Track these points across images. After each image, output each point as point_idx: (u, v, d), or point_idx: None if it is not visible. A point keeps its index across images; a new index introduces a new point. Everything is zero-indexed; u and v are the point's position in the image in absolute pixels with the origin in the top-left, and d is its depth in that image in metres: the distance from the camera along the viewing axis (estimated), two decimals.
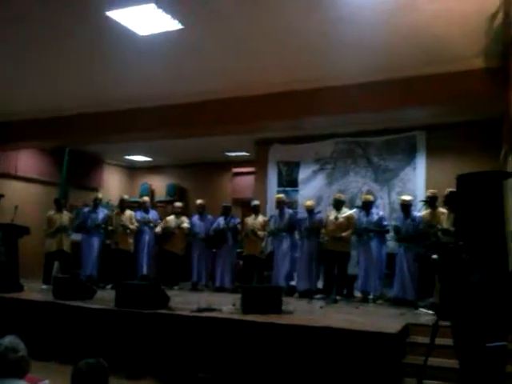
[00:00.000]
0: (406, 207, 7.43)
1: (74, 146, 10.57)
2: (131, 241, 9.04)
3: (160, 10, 5.24)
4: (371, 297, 7.65)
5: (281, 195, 8.87)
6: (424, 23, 5.42)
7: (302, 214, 8.92)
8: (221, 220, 8.95)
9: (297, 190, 9.81)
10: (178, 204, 9.61)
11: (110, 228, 9.02)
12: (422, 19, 5.33)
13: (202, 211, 9.25)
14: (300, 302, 7.12)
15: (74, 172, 10.85)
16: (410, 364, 4.82)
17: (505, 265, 4.76)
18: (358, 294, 7.86)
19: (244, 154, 11.43)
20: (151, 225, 9.31)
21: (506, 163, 6.35)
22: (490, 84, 6.24)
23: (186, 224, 9.13)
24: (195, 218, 9.28)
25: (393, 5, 5.06)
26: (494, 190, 4.73)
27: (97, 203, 9.33)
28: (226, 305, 6.14)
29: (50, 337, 6.32)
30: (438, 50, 6.05)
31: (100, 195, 9.70)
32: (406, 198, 7.61)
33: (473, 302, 3.32)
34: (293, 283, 8.32)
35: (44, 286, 8.43)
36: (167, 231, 9.09)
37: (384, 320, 5.75)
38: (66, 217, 9.13)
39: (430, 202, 7.15)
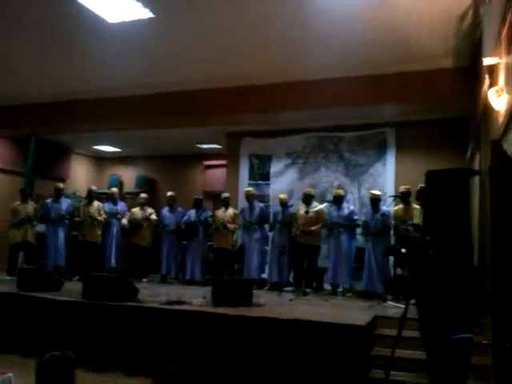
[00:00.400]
0: (376, 201, 7.56)
1: (40, 135, 10.27)
2: (99, 232, 8.90)
3: None
4: (340, 289, 7.76)
5: (249, 188, 8.87)
6: (396, 21, 5.51)
7: (273, 207, 8.95)
8: (192, 213, 8.88)
9: (268, 184, 9.82)
10: (143, 195, 9.48)
11: (77, 219, 8.86)
12: (394, 17, 5.41)
13: (172, 203, 9.17)
14: (270, 295, 7.14)
15: (41, 162, 10.54)
16: (377, 356, 4.91)
17: (470, 259, 4.91)
18: (327, 286, 7.95)
19: (216, 146, 11.36)
20: (119, 216, 9.17)
21: (473, 161, 6.53)
22: (459, 83, 6.40)
23: (154, 216, 9.04)
24: (165, 210, 9.19)
25: (367, 2, 5.11)
26: (461, 186, 4.87)
27: (60, 193, 9.15)
28: (197, 297, 6.11)
29: (13, 329, 6.16)
30: (409, 48, 6.15)
31: (61, 185, 9.46)
32: (376, 192, 7.74)
33: (437, 295, 3.39)
34: (264, 276, 8.36)
35: (8, 278, 8.21)
36: (135, 223, 8.95)
37: (353, 312, 5.84)
38: (30, 207, 8.91)
39: (404, 197, 7.27)
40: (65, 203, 9.16)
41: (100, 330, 5.73)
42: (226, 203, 8.67)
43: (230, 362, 5.10)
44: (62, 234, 9.00)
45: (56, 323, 5.96)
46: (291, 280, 8.10)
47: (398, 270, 6.95)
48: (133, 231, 8.98)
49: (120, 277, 6.38)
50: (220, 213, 8.61)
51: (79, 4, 5.25)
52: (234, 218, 8.50)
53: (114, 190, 9.81)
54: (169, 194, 9.26)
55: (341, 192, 8.16)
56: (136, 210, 9.15)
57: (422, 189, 6.60)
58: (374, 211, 7.55)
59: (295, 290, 7.66)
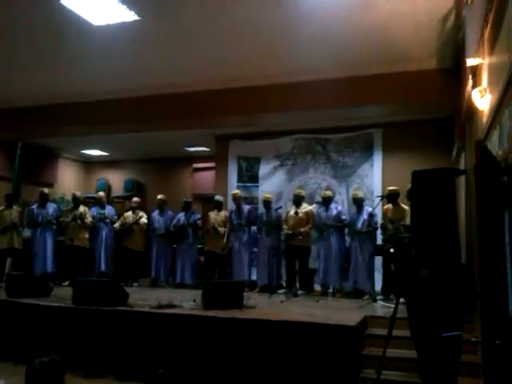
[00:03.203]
0: (358, 201, 7.70)
1: (27, 140, 10.18)
2: (87, 236, 8.88)
3: (116, 1, 5.14)
4: (331, 290, 7.80)
5: (236, 191, 8.89)
6: (380, 23, 5.57)
7: (262, 209, 8.97)
8: (181, 216, 8.88)
9: (257, 186, 9.84)
10: (136, 199, 9.46)
11: (66, 220, 8.79)
12: (378, 19, 5.48)
13: (162, 206, 9.15)
14: (261, 297, 7.15)
15: (27, 166, 10.43)
16: (368, 356, 4.94)
17: (458, 257, 4.97)
18: (318, 287, 7.98)
19: (204, 149, 11.36)
20: (107, 221, 9.13)
21: (458, 160, 6.62)
22: (443, 84, 6.49)
23: (143, 219, 9.02)
24: (155, 214, 9.17)
25: (350, 4, 5.16)
26: (447, 186, 4.92)
27: (45, 198, 9.11)
28: (187, 301, 6.10)
29: (3, 336, 6.10)
30: (393, 50, 6.23)
31: (47, 190, 9.41)
32: (358, 192, 7.97)
33: (424, 294, 3.44)
34: (253, 278, 8.37)
35: None
36: (125, 227, 8.92)
37: (343, 313, 5.88)
38: (15, 213, 8.82)
39: (391, 197, 7.33)
40: (51, 208, 9.12)
41: (91, 335, 5.70)
42: (218, 206, 8.69)
43: (221, 365, 5.10)
44: (49, 239, 8.95)
45: (47, 329, 5.91)
46: (282, 282, 8.12)
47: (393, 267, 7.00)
48: (124, 235, 8.94)
49: (110, 281, 6.34)
50: (212, 215, 8.62)
51: (64, 7, 5.23)
52: (225, 221, 8.51)
53: (101, 194, 9.80)
54: (159, 197, 9.24)
55: (329, 193, 8.22)
56: (128, 214, 9.12)
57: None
58: (357, 211, 7.68)
59: (287, 291, 7.69)
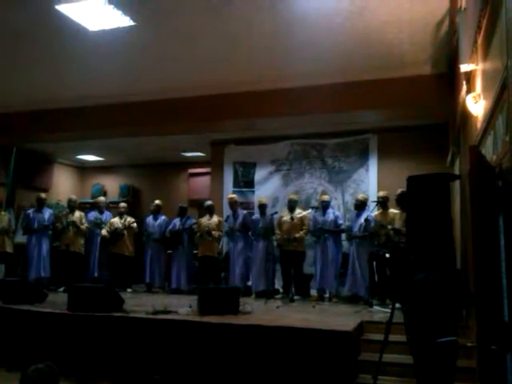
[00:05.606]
0: (364, 205, 7.69)
1: (22, 145, 10.15)
2: (82, 242, 8.84)
3: (111, 6, 5.15)
4: (327, 295, 7.79)
5: (233, 195, 8.88)
6: (375, 29, 5.61)
7: (258, 214, 8.97)
8: (177, 221, 8.86)
9: (253, 191, 9.84)
10: (123, 204, 9.42)
11: (59, 226, 8.74)
12: (373, 25, 5.51)
13: (157, 211, 9.11)
14: (257, 303, 7.13)
15: (22, 171, 10.39)
16: (365, 361, 4.93)
17: (453, 263, 4.98)
18: (314, 292, 7.97)
19: (200, 154, 11.36)
20: (103, 226, 9.08)
21: (453, 166, 6.65)
22: (438, 90, 6.53)
23: (135, 224, 8.97)
24: (149, 218, 9.14)
25: (346, 10, 5.19)
26: (442, 191, 4.94)
27: (42, 203, 9.07)
28: (183, 307, 6.08)
29: None
30: (388, 55, 6.27)
31: (44, 195, 9.39)
32: (365, 196, 7.98)
33: (419, 299, 3.44)
34: (249, 283, 8.35)
35: None
36: (115, 233, 8.81)
37: (339, 318, 5.87)
38: (5, 218, 8.78)
39: (382, 202, 7.37)
40: (47, 213, 9.07)
41: (86, 341, 5.66)
42: (210, 211, 8.67)
43: (217, 371, 5.07)
44: (44, 244, 8.90)
45: (41, 336, 5.86)
46: (277, 287, 8.10)
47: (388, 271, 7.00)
48: (114, 241, 8.87)
49: (105, 287, 6.31)
50: (204, 220, 8.59)
51: (59, 13, 5.24)
52: (218, 226, 8.50)
53: (101, 198, 9.77)
54: (156, 202, 9.21)
55: (326, 197, 8.22)
56: (115, 220, 9.02)
57: (403, 193, 6.69)
58: (357, 215, 7.67)
59: (283, 297, 7.67)
